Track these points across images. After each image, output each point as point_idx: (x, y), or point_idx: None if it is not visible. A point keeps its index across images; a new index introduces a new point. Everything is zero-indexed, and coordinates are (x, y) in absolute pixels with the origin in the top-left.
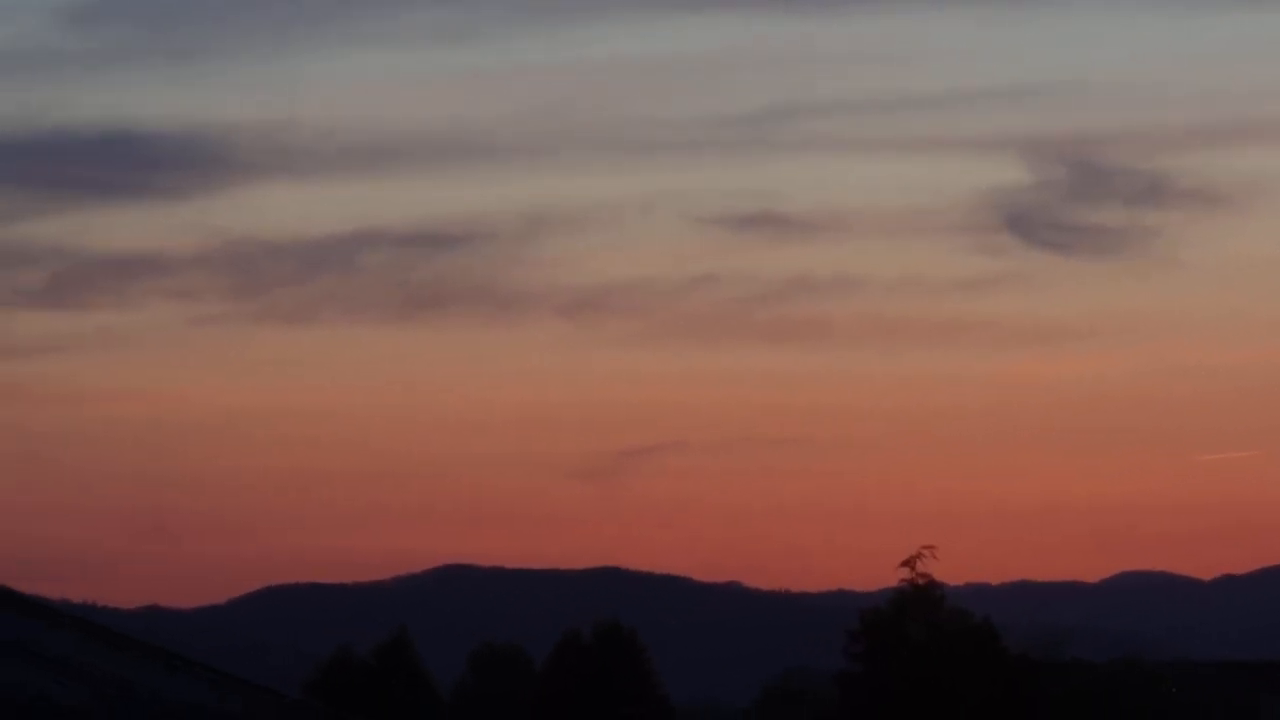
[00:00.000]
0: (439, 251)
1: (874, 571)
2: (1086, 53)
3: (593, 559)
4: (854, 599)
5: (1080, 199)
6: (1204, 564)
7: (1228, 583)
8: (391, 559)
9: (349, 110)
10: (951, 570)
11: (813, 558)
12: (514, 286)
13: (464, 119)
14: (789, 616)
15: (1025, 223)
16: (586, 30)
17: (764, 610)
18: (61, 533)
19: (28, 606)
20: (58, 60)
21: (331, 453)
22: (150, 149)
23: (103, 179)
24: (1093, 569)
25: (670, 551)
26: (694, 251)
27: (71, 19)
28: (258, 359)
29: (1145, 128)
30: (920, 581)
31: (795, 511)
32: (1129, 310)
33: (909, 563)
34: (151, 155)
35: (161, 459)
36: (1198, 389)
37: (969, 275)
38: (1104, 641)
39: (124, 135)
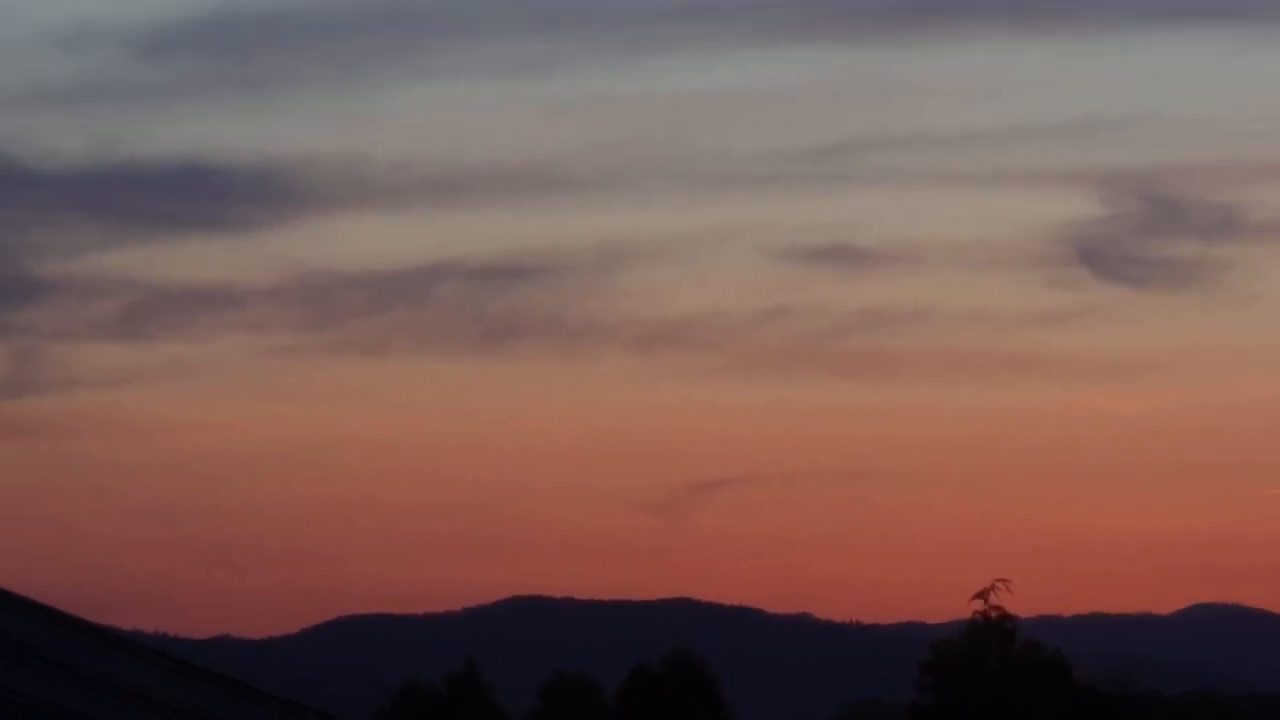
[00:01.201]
0: (513, 284)
1: (944, 603)
2: (1159, 85)
3: (663, 590)
4: (924, 631)
5: (1153, 232)
6: (1278, 597)
7: None
8: (462, 589)
9: (423, 142)
10: (1023, 603)
11: (883, 589)
12: (587, 319)
13: (538, 151)
14: (859, 647)
15: (1098, 256)
16: (660, 63)
17: (834, 641)
18: (134, 563)
19: (100, 637)
20: (131, 92)
21: (402, 483)
22: (223, 181)
23: (175, 211)
24: (1165, 601)
25: (741, 583)
26: (766, 284)
27: (145, 51)
28: (330, 390)
29: (1218, 160)
30: (993, 614)
31: (865, 543)
32: (1201, 344)
33: (982, 594)
34: (225, 187)
35: (233, 490)
36: (1270, 422)
37: (1042, 309)
38: (1177, 673)
39: (197, 167)
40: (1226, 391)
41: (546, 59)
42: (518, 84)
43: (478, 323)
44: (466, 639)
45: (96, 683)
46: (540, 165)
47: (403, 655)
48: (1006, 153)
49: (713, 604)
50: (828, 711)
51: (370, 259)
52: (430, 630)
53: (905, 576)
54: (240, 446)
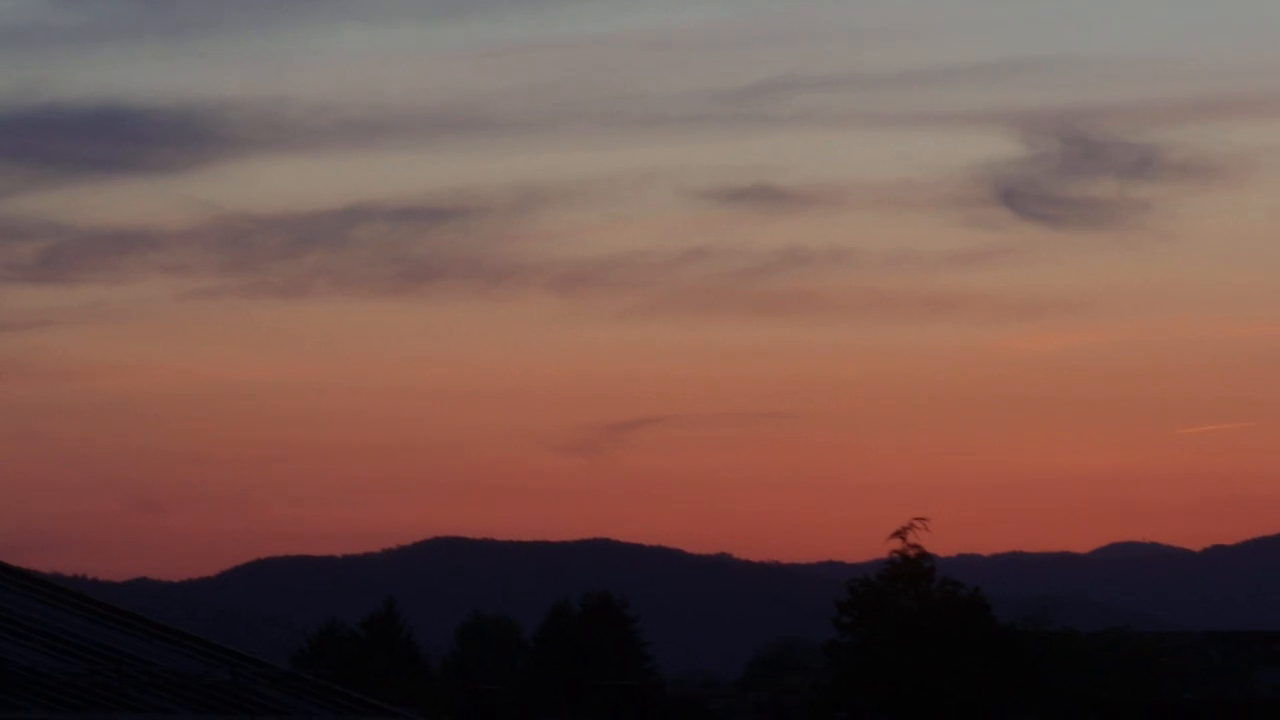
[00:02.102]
0: (432, 226)
1: (864, 543)
2: (1079, 28)
3: (583, 531)
4: (844, 570)
5: (1073, 172)
6: (1194, 535)
7: (1218, 553)
8: (381, 531)
9: (342, 86)
10: (943, 542)
11: (803, 530)
12: (507, 260)
13: (457, 94)
14: (779, 588)
15: (1017, 196)
16: (580, 6)
17: (754, 581)
18: (53, 506)
19: (20, 579)
20: (51, 36)
21: (322, 426)
22: (143, 125)
23: (96, 154)
24: (1084, 540)
25: (660, 524)
26: (686, 225)
27: None
28: (250, 333)
29: (1137, 102)
30: (911, 553)
31: (785, 484)
32: (1120, 283)
33: (900, 534)
34: (144, 131)
35: (153, 432)
36: (1187, 362)
37: (962, 249)
38: (1095, 612)
39: (117, 111)
40: (1145, 331)
41: (466, 3)
42: (437, 27)
43: (397, 264)
44: (386, 580)
45: (16, 624)
46: (459, 107)
47: (323, 597)
48: (926, 94)
49: (632, 544)
50: (747, 651)
51: (289, 201)
52: (350, 571)
53: (825, 517)
54: (160, 389)
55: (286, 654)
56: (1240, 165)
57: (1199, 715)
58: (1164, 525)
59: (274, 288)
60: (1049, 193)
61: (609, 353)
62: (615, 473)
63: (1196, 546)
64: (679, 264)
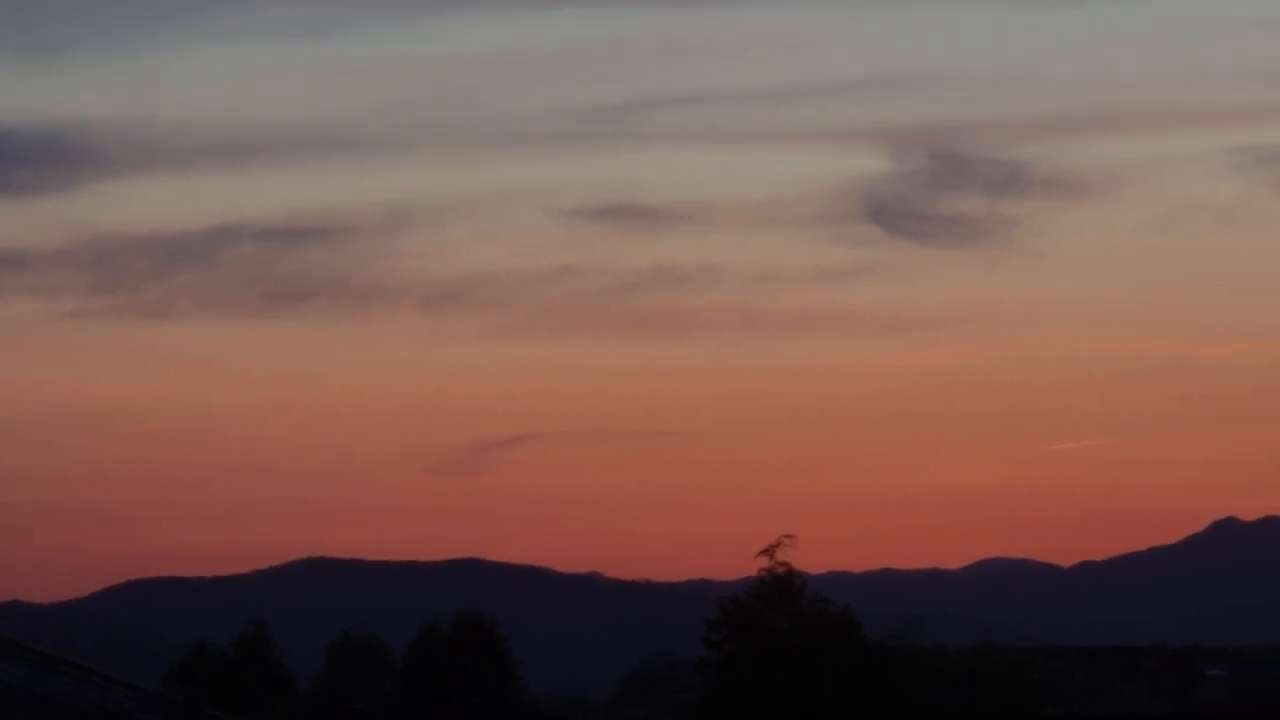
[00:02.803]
0: (299, 245)
1: (735, 561)
2: (946, 44)
3: (452, 550)
4: (715, 588)
5: (941, 189)
6: (1064, 551)
7: (1087, 569)
8: (251, 552)
9: (208, 105)
10: (813, 559)
11: (673, 547)
12: (374, 280)
13: (324, 113)
14: (649, 606)
15: (886, 212)
16: (446, 24)
17: (624, 600)
18: None
19: None
20: None
21: (190, 447)
22: (7, 144)
23: None
24: (954, 556)
25: (530, 542)
26: (553, 243)
27: None
28: (118, 354)
29: (1005, 118)
30: (779, 570)
31: (655, 501)
32: (988, 300)
33: (768, 551)
34: (9, 151)
35: (22, 454)
36: (1056, 378)
37: (830, 265)
38: (965, 628)
39: None
40: (1013, 347)
41: (332, 20)
42: (303, 45)
43: (264, 285)
44: (256, 601)
45: None
46: (326, 127)
47: (193, 618)
48: (794, 110)
49: (502, 564)
50: (618, 670)
51: (156, 222)
52: (220, 592)
53: (695, 534)
54: (28, 410)
55: (157, 675)
56: (1107, 181)
57: None
58: (1034, 541)
59: (143, 308)
60: (918, 209)
61: (477, 371)
62: (484, 492)
63: (1066, 562)
64: (547, 282)
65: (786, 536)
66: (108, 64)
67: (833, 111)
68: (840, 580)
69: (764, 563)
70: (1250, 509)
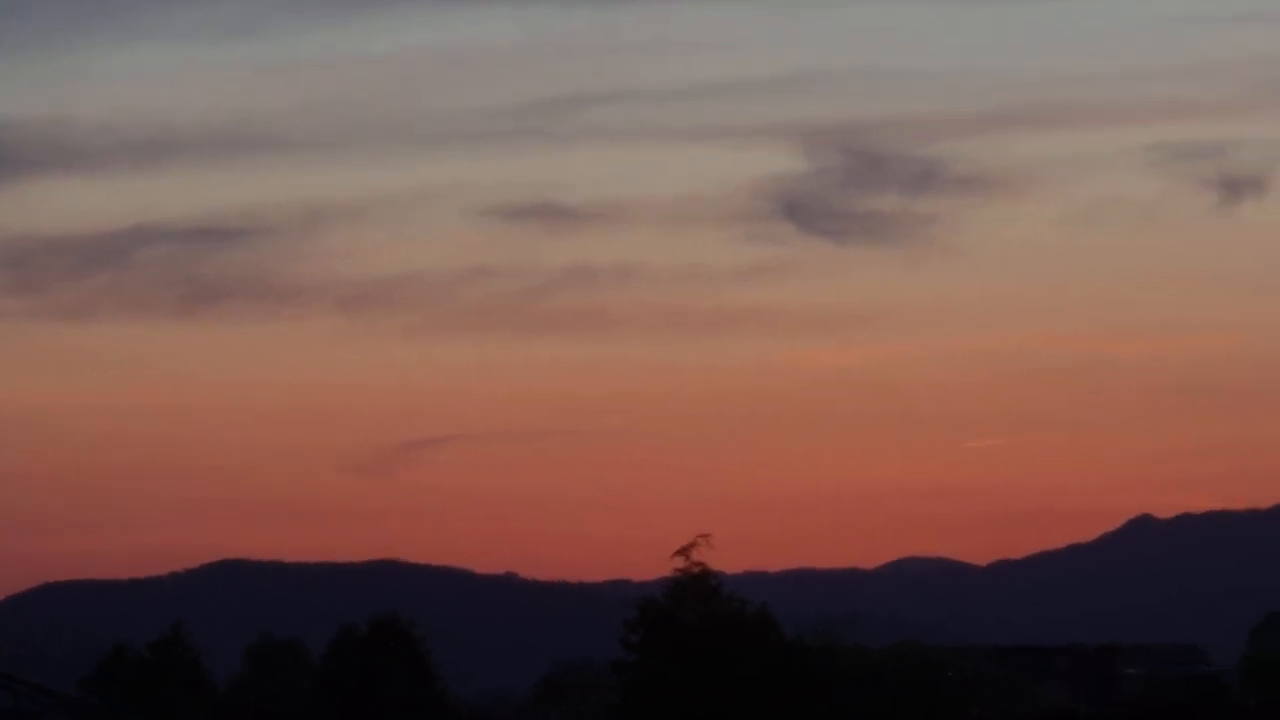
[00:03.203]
0: (217, 246)
1: (653, 561)
2: (861, 43)
3: (370, 552)
4: (633, 588)
5: (856, 186)
6: (981, 549)
7: (1004, 567)
8: (169, 554)
9: (127, 105)
10: (729, 559)
11: (591, 547)
12: (292, 280)
13: (242, 113)
14: (567, 606)
15: (801, 210)
16: (365, 24)
17: (542, 600)
18: None
19: None
20: None
21: (108, 449)
22: None
23: None
24: (871, 555)
25: (448, 543)
26: (471, 243)
27: None
28: (34, 356)
29: (919, 115)
30: (695, 570)
31: (573, 502)
32: (904, 297)
33: (683, 551)
34: None
35: None
36: (972, 375)
37: (746, 264)
38: (883, 627)
39: None
40: (930, 345)
41: (251, 21)
42: (222, 46)
43: (182, 285)
44: (174, 604)
45: None
46: (243, 126)
47: (110, 621)
48: (709, 109)
49: (420, 565)
50: (537, 670)
51: (73, 223)
52: (137, 595)
53: (613, 534)
54: None
55: (74, 679)
56: (1022, 178)
57: None
58: (950, 540)
59: (59, 310)
60: (833, 207)
61: (396, 371)
62: (402, 492)
63: (983, 561)
64: (465, 282)
65: (702, 536)
66: (25, 64)
67: (748, 110)
68: (757, 579)
69: (680, 563)
70: (1166, 506)
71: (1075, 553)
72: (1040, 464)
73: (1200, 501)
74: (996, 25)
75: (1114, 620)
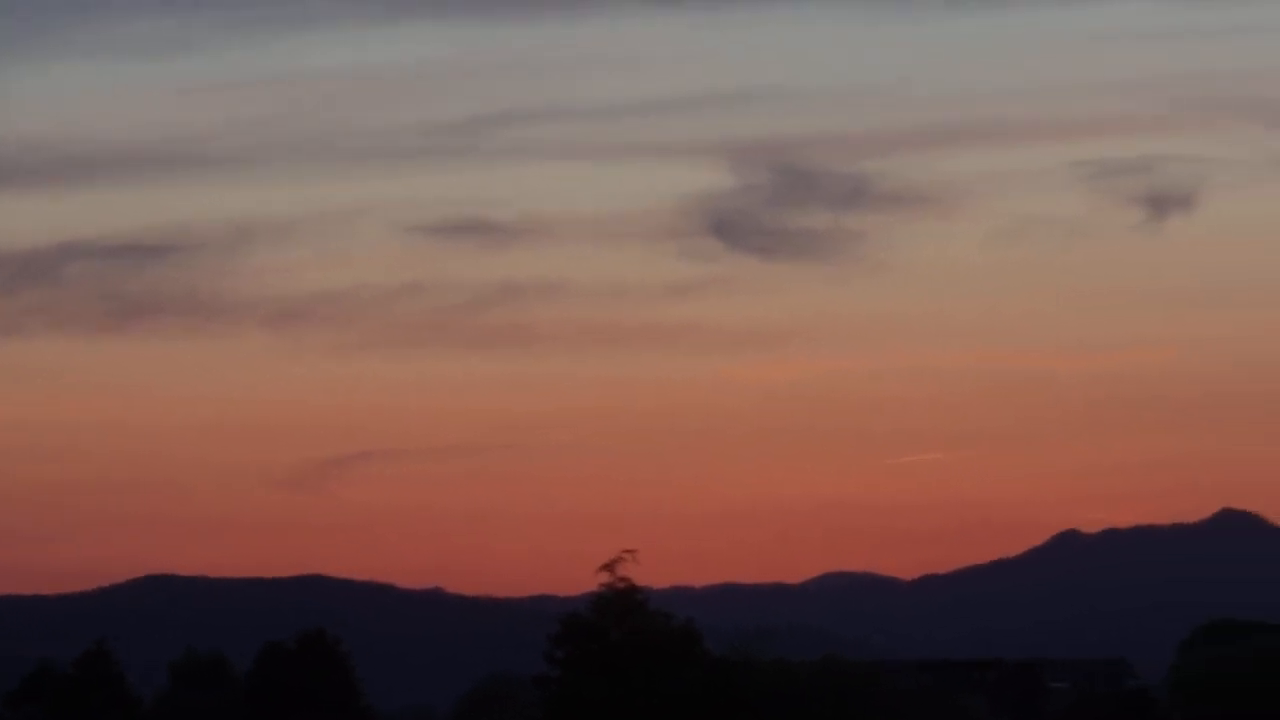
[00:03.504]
0: (145, 263)
1: (578, 576)
2: (789, 60)
3: (297, 567)
4: (558, 603)
5: (784, 203)
6: (907, 564)
7: (930, 582)
8: (94, 569)
9: (53, 123)
10: (655, 574)
11: (516, 563)
12: (221, 297)
13: (171, 130)
14: (492, 621)
15: (729, 227)
16: (295, 41)
17: (467, 616)
18: None
19: None
20: None
21: (35, 463)
22: None
23: None
24: (797, 570)
25: (374, 558)
26: (401, 260)
27: None
28: None
29: (848, 132)
30: (620, 585)
31: (499, 517)
32: (832, 314)
33: (609, 566)
34: None
35: None
36: (899, 392)
37: (674, 280)
38: (809, 641)
39: None
40: (858, 361)
41: (180, 39)
42: (148, 63)
43: (110, 302)
44: (100, 619)
45: None
46: (172, 144)
47: (34, 637)
48: (638, 126)
49: (345, 580)
50: (460, 686)
51: (1, 239)
52: (63, 611)
53: (539, 549)
54: None
55: None
56: (951, 195)
57: None
58: (877, 555)
59: None
60: (761, 224)
61: (323, 388)
62: (329, 508)
63: (909, 576)
64: (393, 299)
65: (628, 551)
66: None
67: (677, 127)
68: (682, 595)
69: (605, 578)
70: (1092, 521)
71: (1001, 567)
72: (967, 479)
73: (1126, 517)
74: (925, 43)
75: (1041, 635)
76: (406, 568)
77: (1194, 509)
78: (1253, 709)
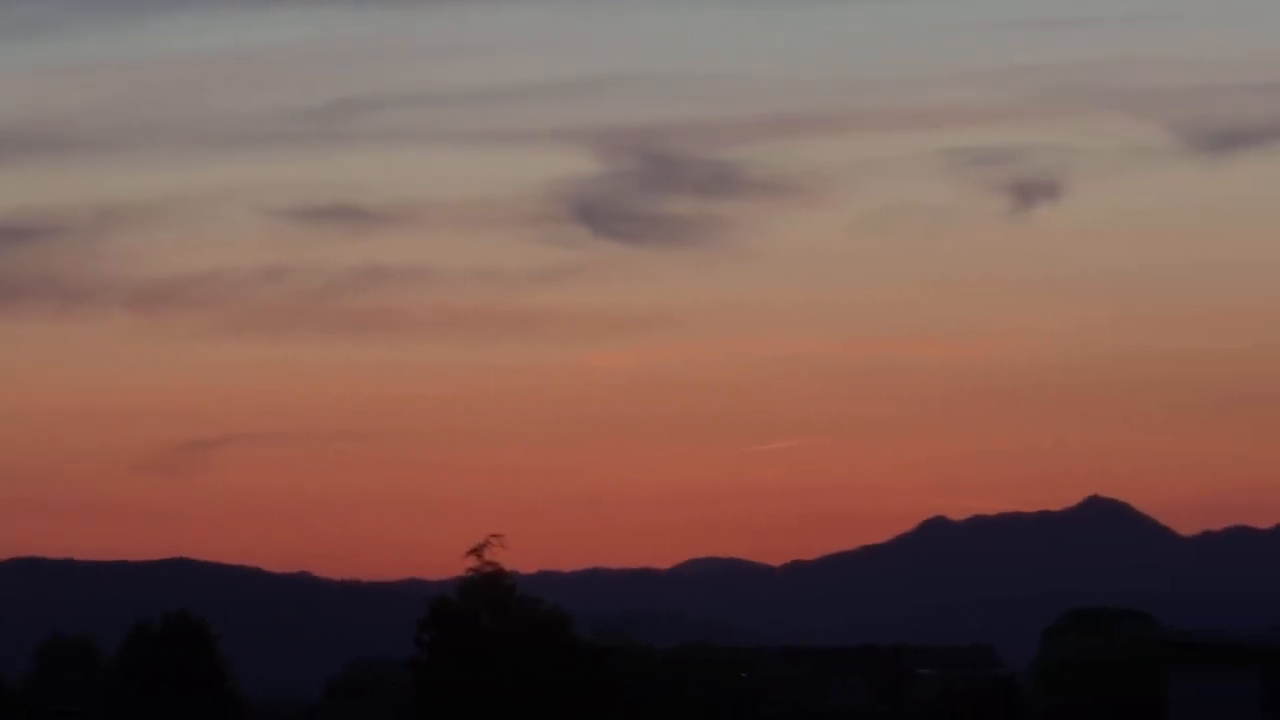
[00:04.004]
0: (7, 246)
1: (446, 560)
2: (655, 45)
3: (163, 550)
4: (426, 588)
5: (651, 190)
6: (774, 551)
7: (797, 569)
8: None
9: None
10: (523, 559)
11: (384, 547)
12: (84, 280)
13: (32, 112)
14: (360, 605)
15: (595, 213)
16: (158, 25)
17: (334, 599)
18: None
19: None
20: None
21: None
22: None
23: None
24: (665, 556)
25: (240, 542)
26: (265, 244)
27: None
28: None
29: (714, 119)
30: (488, 569)
31: (366, 501)
32: (699, 300)
33: (476, 551)
34: None
35: None
36: (765, 378)
37: (541, 266)
38: (676, 627)
39: None
40: (723, 347)
41: (42, 21)
42: (10, 44)
43: None
44: None
45: None
46: (34, 126)
47: None
48: (504, 112)
49: (212, 563)
50: (328, 670)
51: None
52: None
53: (406, 534)
54: None
55: None
56: (819, 182)
57: None
58: (744, 541)
59: None
60: (627, 210)
61: (188, 371)
62: (194, 491)
63: (777, 562)
64: (258, 283)
65: (495, 536)
66: None
67: (542, 113)
68: (550, 579)
69: (473, 562)
70: (959, 509)
71: (869, 554)
72: (834, 466)
73: (993, 504)
74: (792, 30)
75: (907, 621)
76: (274, 552)
77: (1062, 497)
78: (1116, 697)
